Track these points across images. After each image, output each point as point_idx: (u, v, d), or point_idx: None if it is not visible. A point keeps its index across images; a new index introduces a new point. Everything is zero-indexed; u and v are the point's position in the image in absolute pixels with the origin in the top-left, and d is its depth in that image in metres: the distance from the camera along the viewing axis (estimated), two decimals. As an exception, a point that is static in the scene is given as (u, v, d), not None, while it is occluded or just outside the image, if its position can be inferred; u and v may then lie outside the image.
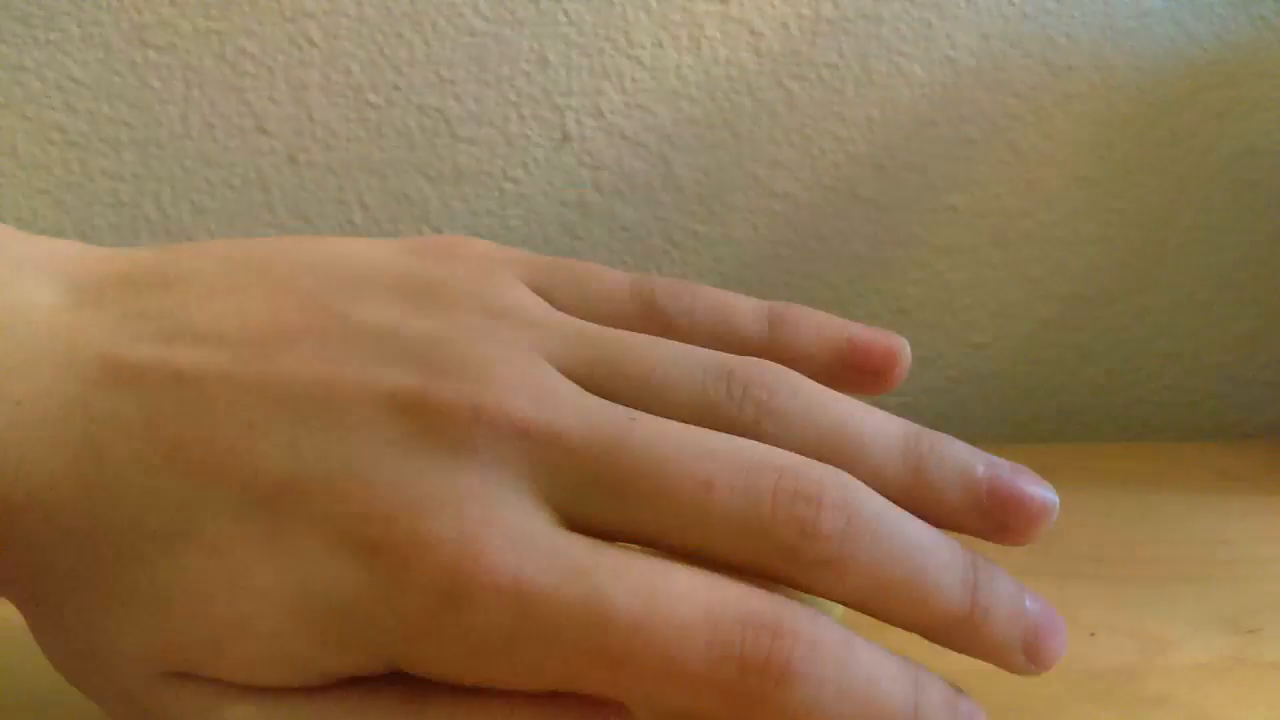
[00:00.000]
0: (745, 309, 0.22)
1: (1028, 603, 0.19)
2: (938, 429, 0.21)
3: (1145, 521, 0.37)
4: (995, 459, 0.20)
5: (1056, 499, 0.20)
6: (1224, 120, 0.52)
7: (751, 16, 0.50)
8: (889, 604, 0.18)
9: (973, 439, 0.49)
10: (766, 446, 0.18)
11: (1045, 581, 0.31)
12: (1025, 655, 0.19)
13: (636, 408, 0.18)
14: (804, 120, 0.51)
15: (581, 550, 0.17)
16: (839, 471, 0.18)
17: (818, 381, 0.20)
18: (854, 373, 0.22)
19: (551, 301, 0.21)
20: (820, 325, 0.22)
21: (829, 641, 0.17)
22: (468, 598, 0.16)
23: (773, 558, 0.17)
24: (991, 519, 0.19)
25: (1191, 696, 0.24)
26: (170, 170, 0.47)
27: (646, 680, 0.16)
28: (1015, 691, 0.24)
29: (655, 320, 0.21)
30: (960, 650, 0.19)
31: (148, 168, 0.47)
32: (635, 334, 0.20)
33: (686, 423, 0.18)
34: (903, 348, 0.22)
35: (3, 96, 0.46)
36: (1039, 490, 0.20)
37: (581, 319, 0.20)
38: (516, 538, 0.16)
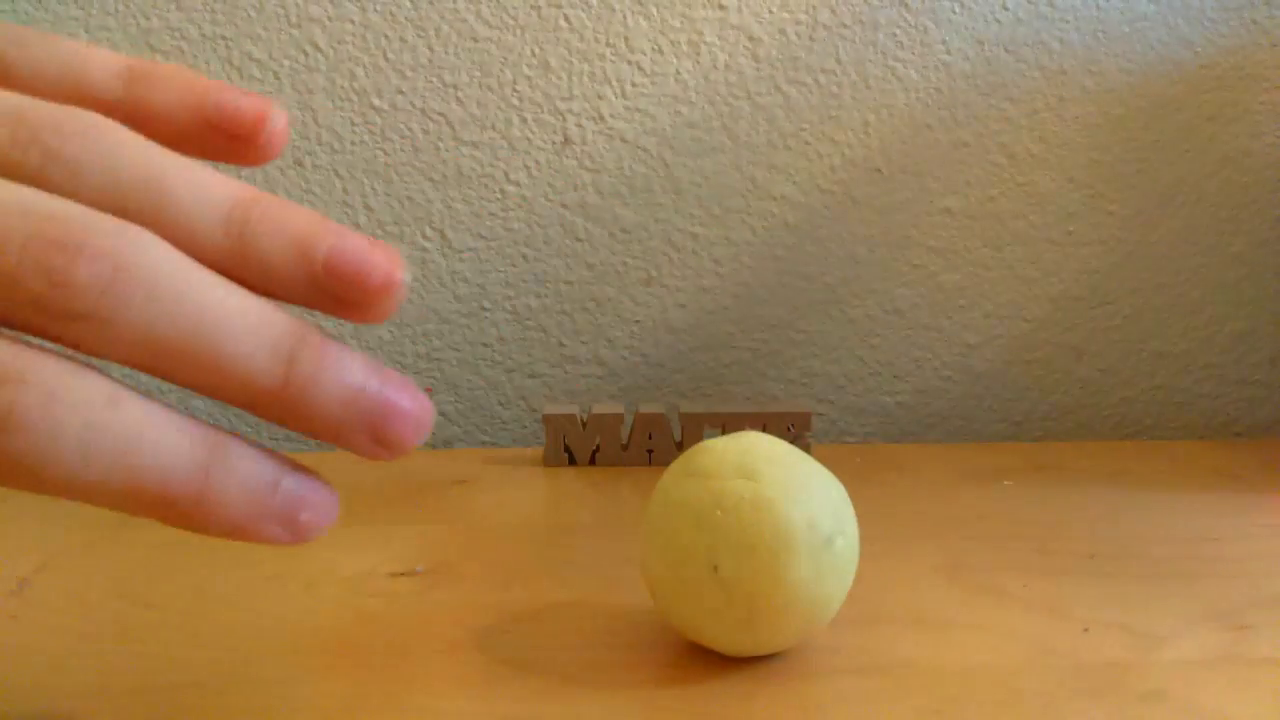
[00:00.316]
0: (101, 61, 0.20)
1: (374, 382, 0.17)
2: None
3: (1137, 519, 0.37)
4: (347, 232, 0.18)
5: (403, 278, 0.18)
6: (1215, 123, 0.53)
7: (749, 23, 0.50)
8: (172, 368, 0.17)
9: (968, 437, 0.50)
10: (34, 191, 0.16)
11: (1039, 578, 0.32)
12: (370, 437, 0.17)
13: None
14: (801, 124, 0.51)
15: None
16: (125, 224, 0.16)
17: (183, 150, 0.18)
18: (220, 137, 0.20)
19: None
20: (187, 85, 0.20)
21: (79, 393, 0.16)
22: None
23: (22, 310, 0.16)
24: (326, 291, 0.18)
25: (1184, 691, 0.25)
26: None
27: None
28: (1009, 686, 0.25)
29: None
30: (293, 428, 0.17)
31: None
32: None
33: None
34: (274, 111, 0.20)
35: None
36: (384, 265, 0.17)
37: None
38: None
